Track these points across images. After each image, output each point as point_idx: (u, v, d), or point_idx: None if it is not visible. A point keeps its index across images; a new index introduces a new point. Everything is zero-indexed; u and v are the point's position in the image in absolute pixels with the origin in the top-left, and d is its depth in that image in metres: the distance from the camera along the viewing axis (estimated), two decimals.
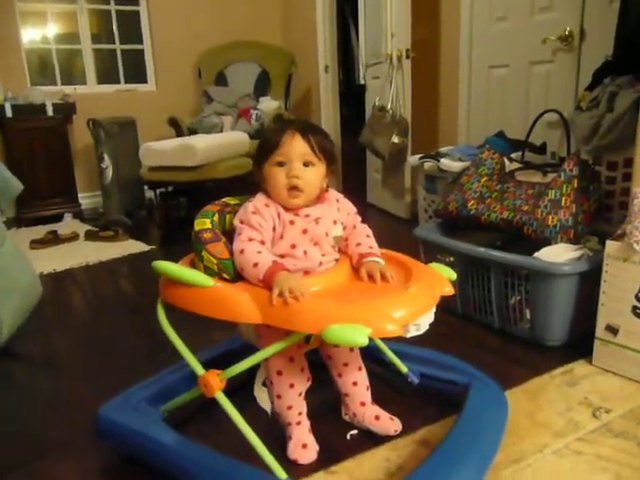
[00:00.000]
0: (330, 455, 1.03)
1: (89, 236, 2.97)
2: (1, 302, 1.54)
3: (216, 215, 1.04)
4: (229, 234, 1.01)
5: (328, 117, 3.85)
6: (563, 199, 1.49)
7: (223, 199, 1.10)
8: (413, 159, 2.49)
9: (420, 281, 0.93)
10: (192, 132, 3.38)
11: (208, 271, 0.95)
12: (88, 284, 2.36)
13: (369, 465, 1.01)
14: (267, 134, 1.03)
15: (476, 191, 1.68)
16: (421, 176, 2.46)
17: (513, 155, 1.93)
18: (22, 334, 1.64)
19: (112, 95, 3.94)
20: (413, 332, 0.87)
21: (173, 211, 3.09)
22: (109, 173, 3.29)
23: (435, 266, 1.04)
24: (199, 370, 0.96)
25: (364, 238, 1.07)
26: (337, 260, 1.03)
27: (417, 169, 2.53)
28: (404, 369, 1.20)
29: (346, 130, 3.95)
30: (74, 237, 2.96)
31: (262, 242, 0.96)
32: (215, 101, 3.70)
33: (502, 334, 1.55)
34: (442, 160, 2.26)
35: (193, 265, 1.00)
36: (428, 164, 2.37)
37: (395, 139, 2.80)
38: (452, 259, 1.64)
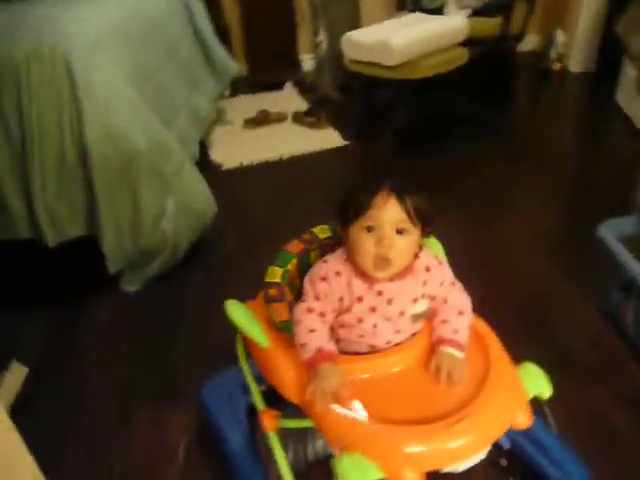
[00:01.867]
0: None
1: (295, 119, 3.06)
2: (179, 224, 1.77)
3: (295, 259, 0.98)
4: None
5: None
6: None
7: (313, 229, 1.02)
8: None
9: (486, 406, 0.78)
10: (414, 9, 3.01)
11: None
12: (274, 181, 2.51)
13: None
14: (356, 191, 0.87)
15: None
16: None
17: None
18: (198, 246, 1.89)
19: None
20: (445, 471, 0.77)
21: (376, 102, 2.94)
22: (323, 47, 3.22)
23: (529, 370, 0.85)
24: (260, 405, 1.01)
25: (454, 316, 0.91)
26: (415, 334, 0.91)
27: None
28: None
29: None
30: (282, 118, 3.09)
31: (322, 314, 0.89)
32: None
33: None
34: None
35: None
36: None
37: None
38: None
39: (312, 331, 0.88)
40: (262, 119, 3.06)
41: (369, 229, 0.84)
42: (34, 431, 1.30)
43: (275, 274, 0.95)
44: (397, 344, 0.91)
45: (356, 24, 3.23)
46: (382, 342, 0.90)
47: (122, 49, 1.79)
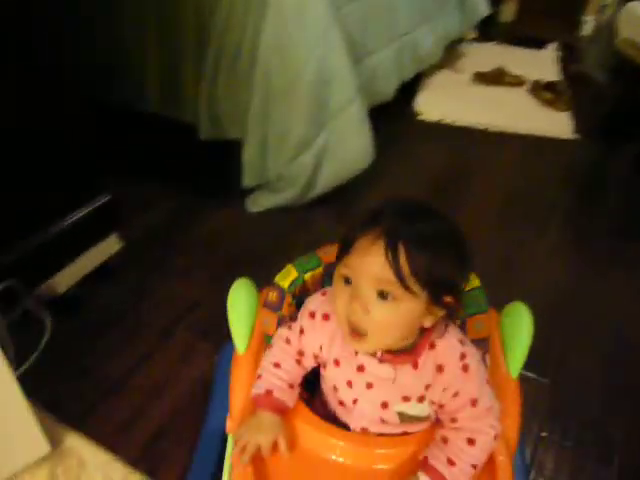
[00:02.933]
0: None
1: (532, 88, 2.58)
2: (322, 164, 1.65)
3: (321, 269, 0.79)
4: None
5: None
6: None
7: None
8: None
9: None
10: None
11: None
12: (459, 154, 2.17)
13: None
14: (359, 219, 0.63)
15: None
16: None
17: None
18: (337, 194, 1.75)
19: None
20: None
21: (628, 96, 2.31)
22: (607, 13, 2.59)
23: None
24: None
25: (459, 441, 0.65)
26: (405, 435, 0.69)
27: None
28: None
29: None
30: (518, 83, 2.64)
31: (300, 353, 0.72)
32: None
33: None
34: None
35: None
36: None
37: None
38: None
39: (276, 366, 0.72)
40: (495, 77, 2.65)
41: (346, 280, 0.62)
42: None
43: (288, 276, 0.79)
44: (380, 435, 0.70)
45: None
46: (356, 425, 0.70)
47: None
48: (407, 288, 0.58)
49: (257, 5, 1.48)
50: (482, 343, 0.73)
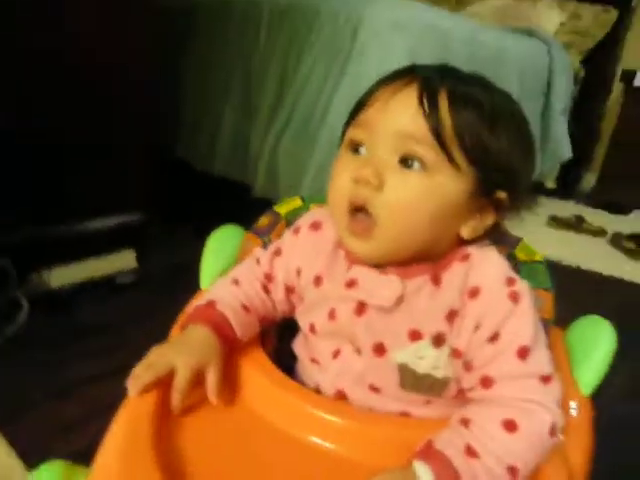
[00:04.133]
0: None
1: (615, 240, 2.39)
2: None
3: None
4: None
5: None
6: None
7: None
8: None
9: None
10: None
11: None
12: None
13: None
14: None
15: None
16: None
17: None
18: None
19: None
20: None
21: None
22: None
23: None
24: None
25: (489, 425, 0.40)
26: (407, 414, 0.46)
27: None
28: None
29: None
30: (599, 232, 2.47)
31: (267, 276, 0.54)
32: None
33: None
34: None
35: None
36: None
37: None
38: None
39: (234, 282, 0.53)
40: (574, 224, 2.50)
41: (355, 147, 0.45)
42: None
43: (290, 204, 0.61)
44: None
45: None
46: (330, 386, 0.46)
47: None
48: (447, 153, 0.40)
49: (336, 72, 1.50)
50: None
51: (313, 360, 0.49)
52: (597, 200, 3.05)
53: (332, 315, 0.47)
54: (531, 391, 0.41)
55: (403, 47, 1.53)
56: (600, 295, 1.88)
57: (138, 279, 1.34)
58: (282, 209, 0.62)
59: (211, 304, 0.49)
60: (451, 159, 0.41)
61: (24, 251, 1.17)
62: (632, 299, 1.89)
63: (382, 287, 0.44)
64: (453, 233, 0.45)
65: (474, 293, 0.42)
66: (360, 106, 0.46)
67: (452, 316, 0.43)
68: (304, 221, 0.53)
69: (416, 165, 0.42)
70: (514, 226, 2.23)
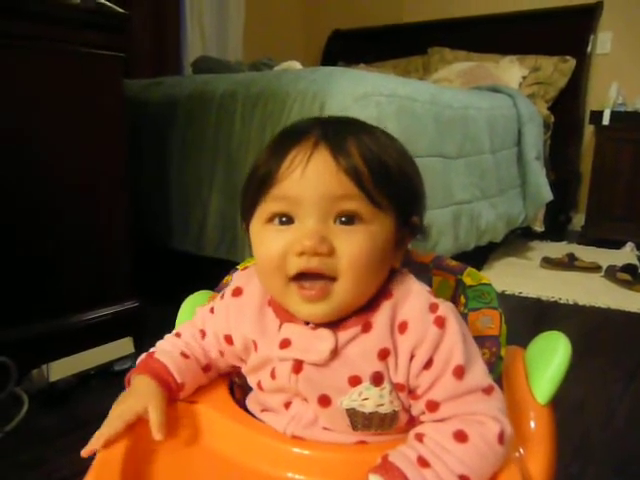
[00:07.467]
0: None
1: (609, 273, 2.41)
2: None
3: None
4: None
5: None
6: None
7: None
8: None
9: None
10: None
11: None
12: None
13: None
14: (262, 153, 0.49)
15: None
16: None
17: None
18: None
19: None
20: None
21: None
22: None
23: None
24: None
25: (440, 438, 0.43)
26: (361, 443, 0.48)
27: None
28: None
29: None
30: (593, 268, 2.49)
31: (202, 332, 0.57)
32: None
33: None
34: None
35: None
36: None
37: None
38: None
39: (177, 335, 0.58)
40: (566, 262, 2.53)
41: (279, 219, 0.46)
42: None
43: (251, 262, 0.66)
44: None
45: None
46: (285, 432, 0.50)
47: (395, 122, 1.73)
48: (372, 200, 0.45)
49: None
50: (489, 340, 0.53)
51: (266, 410, 0.52)
52: (588, 238, 3.09)
53: (273, 375, 0.49)
54: (475, 405, 0.44)
55: (369, 117, 1.62)
56: (603, 328, 1.88)
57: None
58: (242, 267, 0.66)
59: (150, 355, 0.54)
60: (376, 203, 0.45)
61: (24, 347, 1.21)
62: (634, 330, 1.89)
63: (315, 343, 0.46)
64: (388, 270, 0.48)
65: (403, 328, 0.45)
66: (268, 181, 0.46)
67: (385, 355, 0.45)
68: (228, 287, 0.56)
69: (354, 220, 0.45)
70: (507, 270, 2.26)
